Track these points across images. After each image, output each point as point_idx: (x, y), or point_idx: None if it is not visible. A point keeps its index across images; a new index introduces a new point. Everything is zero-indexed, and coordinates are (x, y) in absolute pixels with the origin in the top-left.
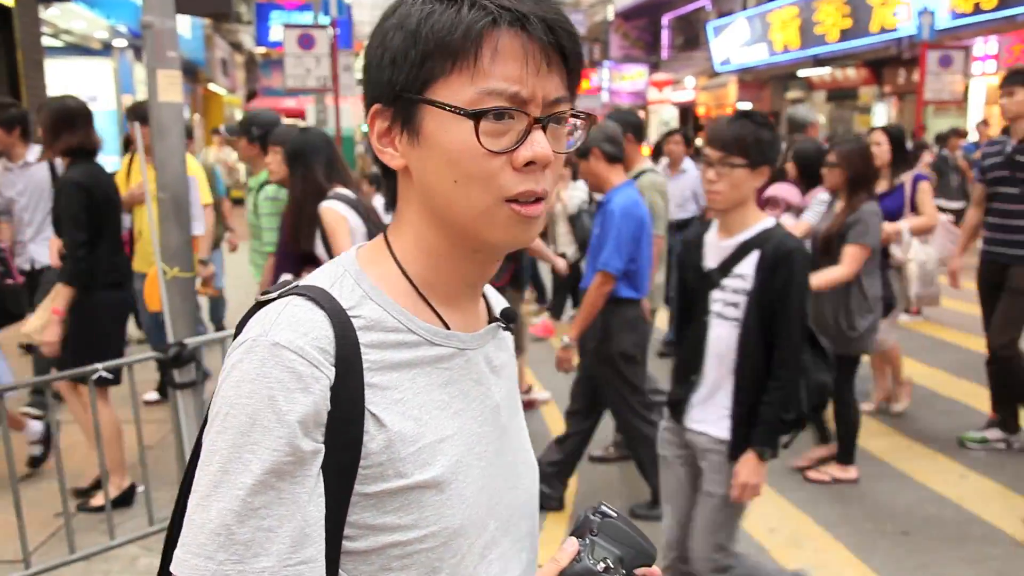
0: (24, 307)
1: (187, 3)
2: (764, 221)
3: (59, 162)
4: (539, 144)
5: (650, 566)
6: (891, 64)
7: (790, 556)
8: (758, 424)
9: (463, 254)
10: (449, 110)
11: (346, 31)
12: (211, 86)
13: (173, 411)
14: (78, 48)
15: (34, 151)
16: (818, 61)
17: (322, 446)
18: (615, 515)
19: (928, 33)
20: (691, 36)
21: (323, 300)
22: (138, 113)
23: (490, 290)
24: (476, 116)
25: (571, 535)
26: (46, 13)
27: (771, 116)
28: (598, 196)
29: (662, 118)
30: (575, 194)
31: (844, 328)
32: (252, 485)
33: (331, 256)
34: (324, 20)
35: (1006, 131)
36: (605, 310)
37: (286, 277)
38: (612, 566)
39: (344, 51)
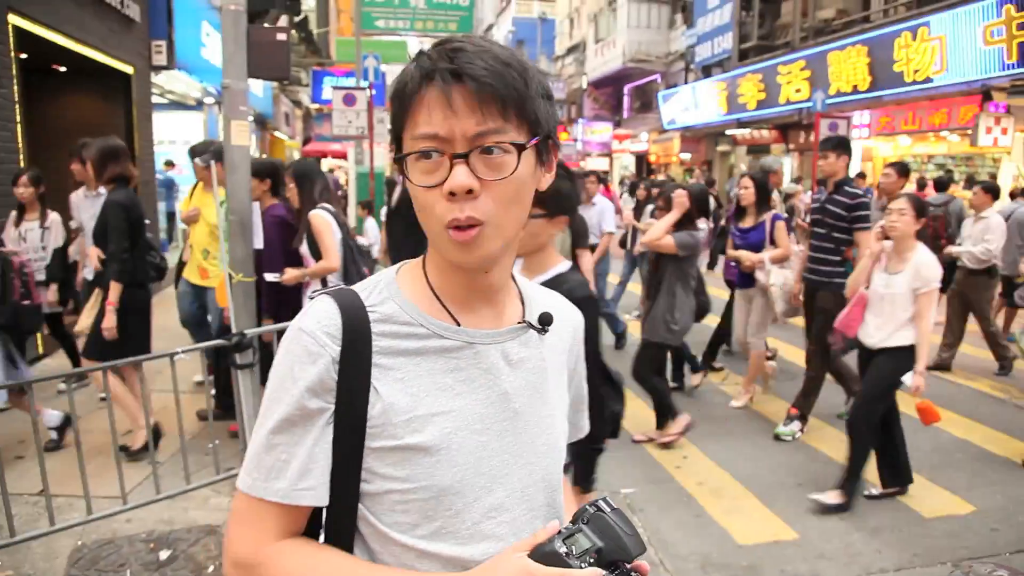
0: (38, 325)
1: (256, 70)
2: (560, 266)
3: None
4: (456, 176)
5: (628, 561)
6: (794, 127)
7: (713, 503)
8: (578, 463)
9: (453, 268)
10: (394, 157)
11: (380, 92)
12: (276, 133)
13: (235, 386)
14: (178, 104)
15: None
16: (740, 123)
17: (329, 406)
18: (609, 510)
19: (820, 106)
20: (646, 101)
21: (342, 298)
22: (215, 152)
23: (540, 296)
24: (399, 160)
25: (569, 522)
26: (155, 78)
27: (705, 164)
28: None
29: (622, 163)
30: None
31: (668, 321)
32: (272, 428)
33: (313, 253)
34: (364, 83)
35: (822, 183)
36: None
37: (334, 281)
38: (581, 553)
39: (378, 107)
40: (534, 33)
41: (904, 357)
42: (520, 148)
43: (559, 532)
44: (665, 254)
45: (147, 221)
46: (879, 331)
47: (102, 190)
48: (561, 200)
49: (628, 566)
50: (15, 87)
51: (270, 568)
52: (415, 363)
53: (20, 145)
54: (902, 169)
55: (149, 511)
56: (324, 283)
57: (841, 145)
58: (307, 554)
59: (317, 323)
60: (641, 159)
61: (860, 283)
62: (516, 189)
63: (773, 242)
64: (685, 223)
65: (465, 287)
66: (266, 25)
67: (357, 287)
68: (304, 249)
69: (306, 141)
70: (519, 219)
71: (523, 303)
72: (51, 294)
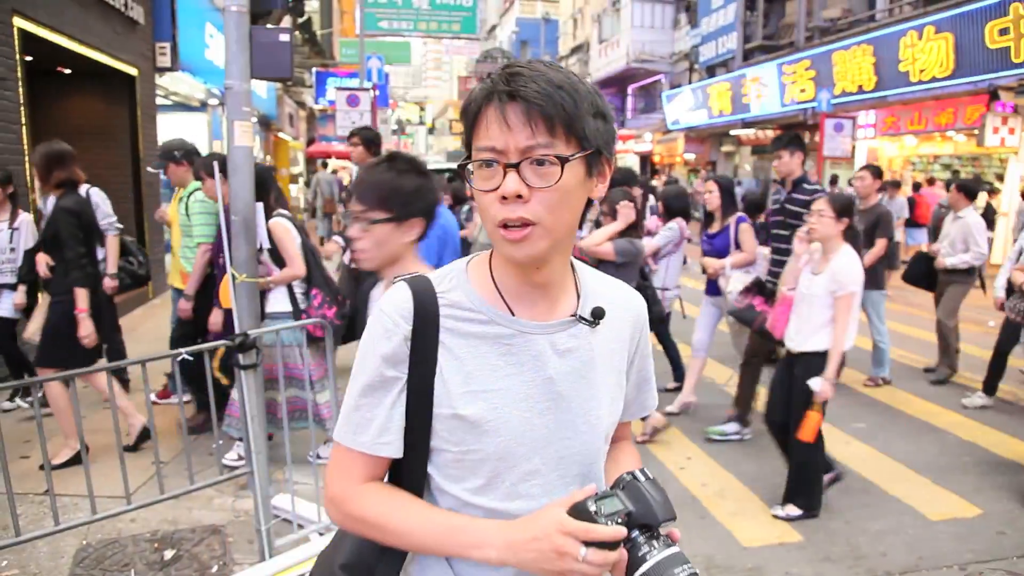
0: None
1: (259, 71)
2: None
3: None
4: (508, 183)
5: (652, 525)
6: (799, 128)
7: (717, 505)
8: None
9: (511, 264)
10: (458, 165)
11: (384, 92)
12: (280, 134)
13: (239, 386)
14: (182, 106)
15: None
16: (745, 124)
17: (402, 375)
18: (644, 479)
19: (826, 106)
20: (649, 102)
21: (416, 284)
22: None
23: (602, 290)
24: (462, 167)
25: (609, 487)
26: (159, 79)
27: (710, 164)
28: None
29: (626, 164)
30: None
31: None
32: (358, 392)
33: (275, 260)
34: (367, 84)
35: (781, 183)
36: None
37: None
38: (610, 513)
39: (381, 108)
40: (537, 33)
41: (818, 364)
42: (564, 160)
43: (595, 494)
44: (605, 260)
45: (119, 223)
46: (798, 334)
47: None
48: (407, 200)
49: (660, 532)
50: (20, 89)
51: (356, 503)
52: (473, 345)
53: (25, 147)
54: (876, 171)
55: (153, 511)
56: (290, 289)
57: (793, 142)
58: (385, 494)
59: (393, 306)
60: (645, 160)
61: (787, 284)
62: (562, 196)
63: (739, 245)
64: (628, 231)
65: (521, 281)
66: (269, 26)
67: (431, 275)
68: (265, 256)
69: (310, 142)
70: (567, 223)
71: (579, 296)
72: (19, 296)
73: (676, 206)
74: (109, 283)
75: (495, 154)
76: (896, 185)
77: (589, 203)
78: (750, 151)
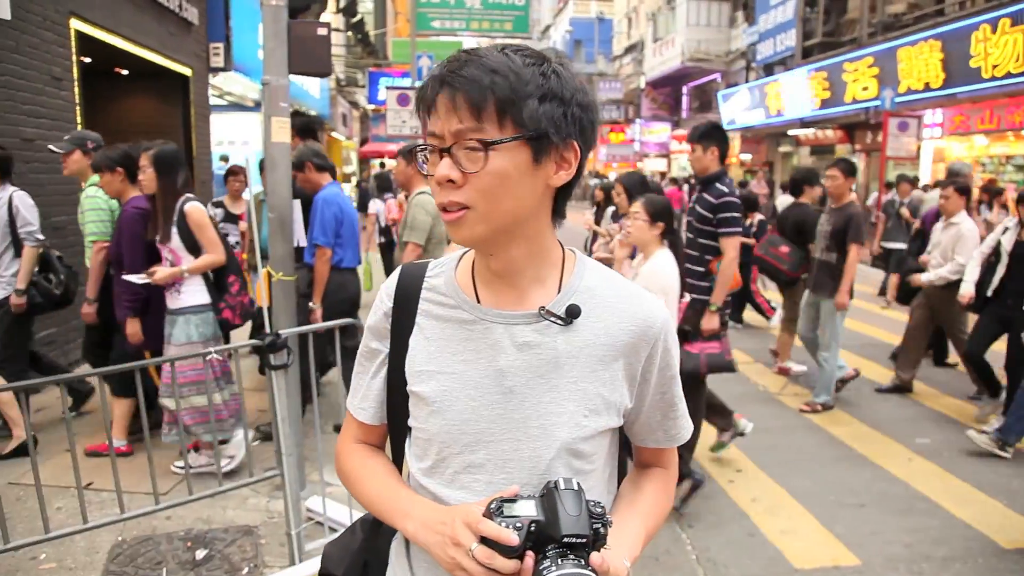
0: None
1: (297, 66)
2: None
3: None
4: (440, 167)
5: (556, 539)
6: (861, 127)
7: (768, 522)
8: None
9: (478, 253)
10: (415, 149)
11: None
12: (334, 134)
13: (269, 387)
14: (236, 105)
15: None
16: (804, 123)
17: (384, 349)
18: (563, 488)
19: (890, 104)
20: (705, 101)
21: (409, 268)
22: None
23: (599, 290)
24: (412, 153)
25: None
26: (213, 80)
27: (766, 165)
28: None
29: (680, 164)
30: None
31: None
32: (357, 360)
33: (188, 246)
34: (419, 83)
35: (696, 180)
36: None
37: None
38: (511, 517)
39: None
40: (591, 33)
41: None
42: (487, 145)
43: (515, 496)
44: None
45: (41, 237)
46: None
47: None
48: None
49: (575, 553)
50: (76, 89)
51: (343, 460)
52: (441, 327)
53: None
54: (848, 168)
55: (188, 509)
56: (207, 278)
57: (707, 135)
58: (364, 457)
59: (385, 285)
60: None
61: None
62: (497, 181)
63: None
64: None
65: (486, 269)
66: (307, 20)
67: (433, 261)
68: (176, 243)
69: (363, 142)
70: (508, 210)
71: (560, 293)
72: None
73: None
74: (15, 299)
75: (434, 139)
76: (999, 193)
77: (563, 190)
78: (809, 151)
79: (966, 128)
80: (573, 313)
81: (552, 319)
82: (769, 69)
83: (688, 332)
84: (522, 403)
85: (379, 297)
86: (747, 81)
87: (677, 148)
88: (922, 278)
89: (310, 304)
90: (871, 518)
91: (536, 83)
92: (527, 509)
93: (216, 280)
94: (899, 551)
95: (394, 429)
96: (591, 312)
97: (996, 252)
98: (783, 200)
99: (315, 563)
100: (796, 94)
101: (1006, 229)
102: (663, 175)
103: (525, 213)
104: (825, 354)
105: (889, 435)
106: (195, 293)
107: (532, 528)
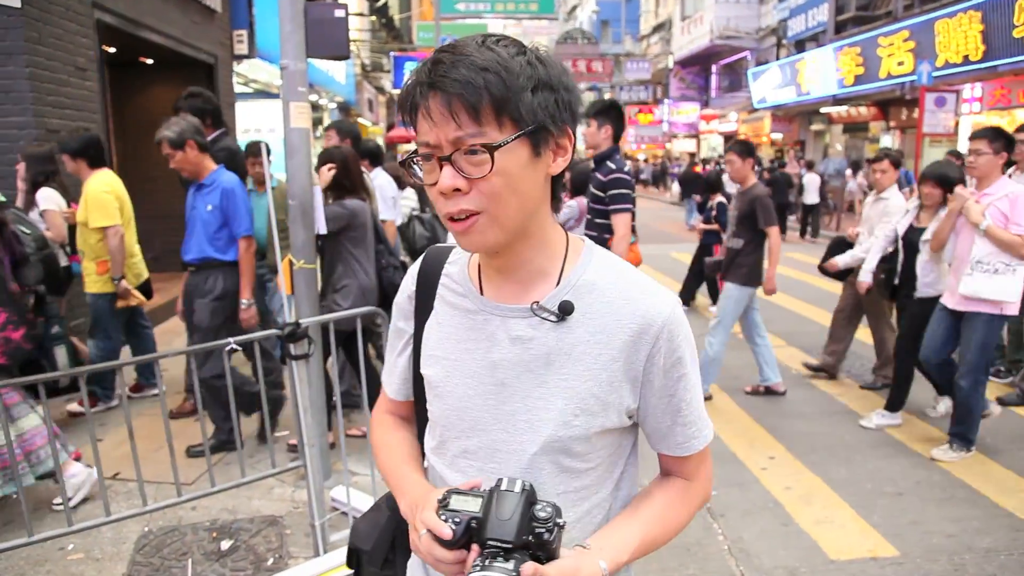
0: None
1: (314, 49)
2: None
3: None
4: (443, 178)
5: (480, 540)
6: (895, 104)
7: (802, 511)
8: None
9: None
10: (400, 161)
11: None
12: (360, 119)
13: (290, 377)
14: (262, 93)
15: None
16: (836, 101)
17: (409, 329)
18: (503, 489)
19: (926, 79)
20: (734, 80)
21: (434, 252)
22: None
23: (600, 286)
24: (403, 163)
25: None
26: (238, 67)
27: (797, 144)
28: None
29: (710, 144)
30: (405, 203)
31: (334, 302)
32: (388, 336)
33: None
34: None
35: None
36: (230, 271)
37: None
38: (452, 511)
39: None
40: (618, 12)
41: None
42: (493, 149)
43: (471, 489)
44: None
45: None
46: None
47: None
48: None
49: (511, 555)
50: (101, 80)
51: (372, 430)
52: (450, 314)
53: (110, 135)
54: (745, 150)
55: (213, 499)
56: None
57: (604, 112)
58: (388, 428)
59: (411, 268)
60: (730, 140)
61: None
62: (505, 183)
63: None
64: (342, 194)
65: (485, 263)
66: (324, 2)
67: (458, 247)
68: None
69: (389, 127)
70: (518, 208)
71: (558, 287)
72: None
73: (578, 184)
74: None
75: (430, 148)
76: None
77: (559, 178)
78: (841, 129)
79: (1007, 102)
80: (565, 310)
81: (544, 315)
82: (800, 45)
83: None
84: (511, 396)
85: (405, 278)
86: (778, 58)
87: (706, 128)
88: (838, 261)
89: (243, 302)
90: (910, 508)
91: (526, 74)
92: (471, 505)
93: None
94: (940, 542)
95: (419, 406)
96: (588, 308)
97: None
98: (810, 179)
99: (340, 554)
100: (828, 71)
101: (907, 211)
102: (692, 156)
103: (532, 208)
104: (711, 339)
105: (927, 421)
106: None
107: (472, 524)
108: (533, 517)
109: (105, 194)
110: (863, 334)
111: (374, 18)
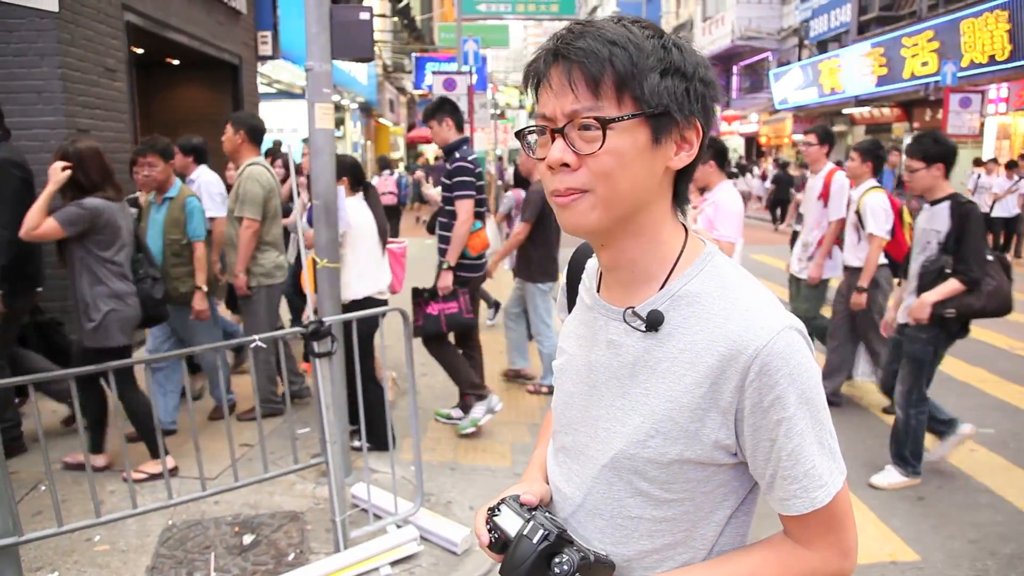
0: None
1: (338, 51)
2: None
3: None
4: (552, 151)
5: (502, 568)
6: (919, 104)
7: None
8: None
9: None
10: (515, 132)
11: (481, 76)
12: (381, 120)
13: (314, 375)
14: (285, 93)
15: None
16: (859, 102)
17: (564, 305)
18: (524, 535)
19: (951, 79)
20: (755, 81)
21: (583, 246)
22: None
23: (701, 299)
24: (517, 135)
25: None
26: (262, 68)
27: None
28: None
29: (731, 146)
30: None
31: (85, 320)
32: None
33: None
34: (465, 68)
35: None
36: None
37: None
38: (491, 527)
39: (479, 92)
40: (639, 13)
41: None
42: (605, 123)
43: (532, 506)
44: (66, 240)
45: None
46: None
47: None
48: None
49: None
50: (128, 80)
51: (545, 420)
52: (581, 308)
53: (137, 135)
54: (825, 135)
55: (236, 493)
56: None
57: (437, 110)
58: (548, 419)
59: (569, 257)
60: (751, 141)
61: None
62: (616, 163)
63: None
64: (76, 194)
65: (600, 259)
66: (350, 4)
67: None
68: None
69: (410, 127)
70: (627, 194)
71: (659, 293)
72: None
73: (518, 178)
74: None
75: (545, 121)
76: None
77: (684, 173)
78: (864, 131)
79: None
80: (653, 321)
81: (633, 323)
82: (823, 46)
83: (427, 293)
84: (598, 401)
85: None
86: (800, 59)
87: (727, 129)
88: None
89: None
90: (931, 512)
91: (657, 56)
92: (508, 524)
93: None
94: (962, 547)
95: None
96: (683, 323)
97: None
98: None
99: (360, 551)
100: (851, 71)
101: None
102: None
103: (644, 198)
104: (539, 336)
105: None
106: None
107: (503, 544)
108: (549, 569)
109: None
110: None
111: (396, 19)
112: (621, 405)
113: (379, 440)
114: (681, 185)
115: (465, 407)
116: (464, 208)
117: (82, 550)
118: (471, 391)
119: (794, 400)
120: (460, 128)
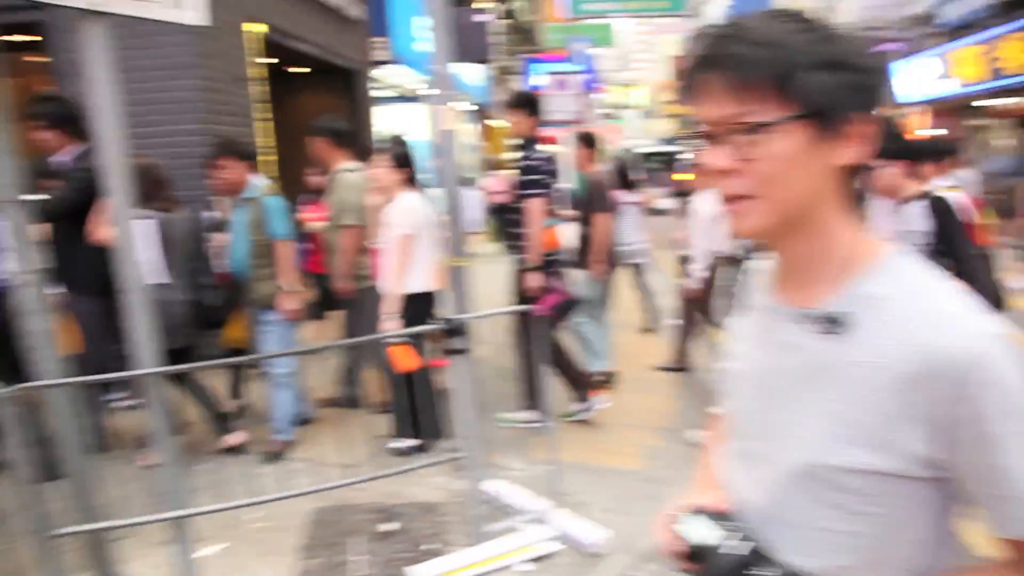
0: None
1: (461, 55)
2: None
3: None
4: (713, 157)
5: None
6: None
7: None
8: None
9: None
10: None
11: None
12: (493, 121)
13: (452, 370)
14: (402, 97)
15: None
16: (998, 92)
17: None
18: (720, 552)
19: None
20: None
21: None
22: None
23: (886, 301)
24: (682, 141)
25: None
26: (377, 72)
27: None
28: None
29: None
30: None
31: None
32: None
33: None
34: (574, 69)
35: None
36: None
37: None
38: (680, 533)
39: (590, 91)
40: (753, 7)
41: None
42: (759, 127)
43: (725, 518)
44: None
45: None
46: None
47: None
48: None
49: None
50: (253, 88)
51: (712, 424)
52: (753, 310)
53: (272, 140)
54: (587, 140)
55: (377, 483)
56: None
57: (523, 102)
58: (714, 427)
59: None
60: None
61: None
62: (778, 166)
63: None
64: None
65: (776, 261)
66: (466, 8)
67: None
68: None
69: None
70: (794, 196)
71: (837, 295)
72: None
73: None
74: None
75: (705, 127)
76: None
77: (856, 171)
78: (1007, 124)
79: None
80: (834, 322)
81: (812, 325)
82: (954, 34)
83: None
84: (778, 405)
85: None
86: (928, 48)
87: None
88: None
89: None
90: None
91: (810, 51)
92: (697, 530)
93: None
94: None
95: None
96: (869, 326)
97: None
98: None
99: (494, 546)
100: (985, 61)
101: None
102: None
103: (812, 198)
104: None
105: None
106: None
107: (693, 551)
108: None
109: None
110: None
111: (509, 21)
112: (797, 409)
113: (430, 433)
114: (855, 183)
115: (582, 399)
116: (534, 207)
117: (237, 525)
118: (583, 382)
119: (1004, 413)
120: (537, 124)
